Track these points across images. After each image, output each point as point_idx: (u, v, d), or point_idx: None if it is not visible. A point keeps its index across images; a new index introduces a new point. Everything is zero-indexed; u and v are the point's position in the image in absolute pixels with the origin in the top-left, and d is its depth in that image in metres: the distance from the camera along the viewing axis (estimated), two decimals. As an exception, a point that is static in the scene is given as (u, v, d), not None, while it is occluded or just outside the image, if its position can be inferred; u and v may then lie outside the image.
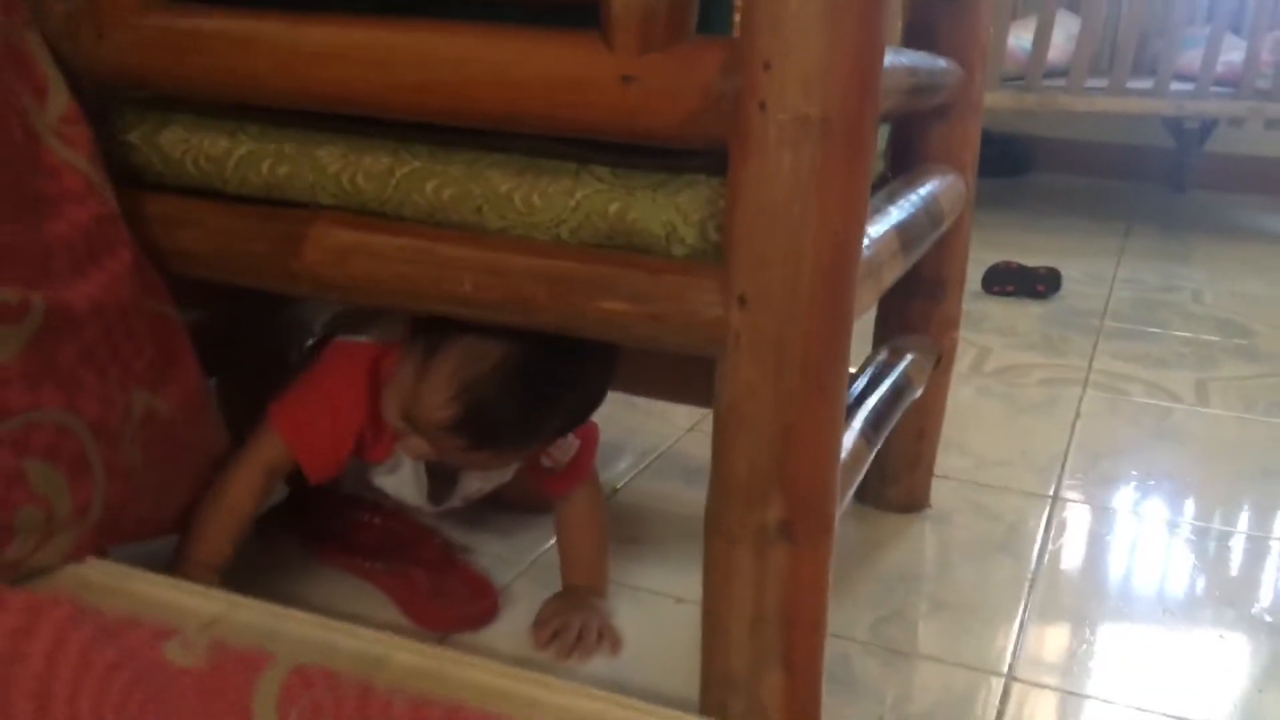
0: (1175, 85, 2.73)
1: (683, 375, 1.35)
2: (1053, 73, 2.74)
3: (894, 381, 1.09)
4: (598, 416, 1.07)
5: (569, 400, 0.97)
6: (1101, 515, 1.36)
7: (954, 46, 1.15)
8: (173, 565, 0.95)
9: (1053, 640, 1.08)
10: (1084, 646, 1.07)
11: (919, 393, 1.18)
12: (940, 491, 1.36)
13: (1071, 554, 1.26)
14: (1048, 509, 1.35)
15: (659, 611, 1.09)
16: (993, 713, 0.96)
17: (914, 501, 1.33)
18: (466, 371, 0.91)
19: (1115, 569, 1.25)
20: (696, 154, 0.79)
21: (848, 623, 1.08)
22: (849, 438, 0.91)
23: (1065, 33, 2.75)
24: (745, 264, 0.73)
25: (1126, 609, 1.15)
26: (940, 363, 1.26)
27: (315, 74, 0.82)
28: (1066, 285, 2.31)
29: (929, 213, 1.03)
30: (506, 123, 0.79)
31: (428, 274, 0.82)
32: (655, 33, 0.72)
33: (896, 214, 0.93)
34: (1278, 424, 1.68)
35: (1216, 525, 1.35)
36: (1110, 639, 1.09)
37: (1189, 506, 1.40)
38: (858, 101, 0.70)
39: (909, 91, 0.96)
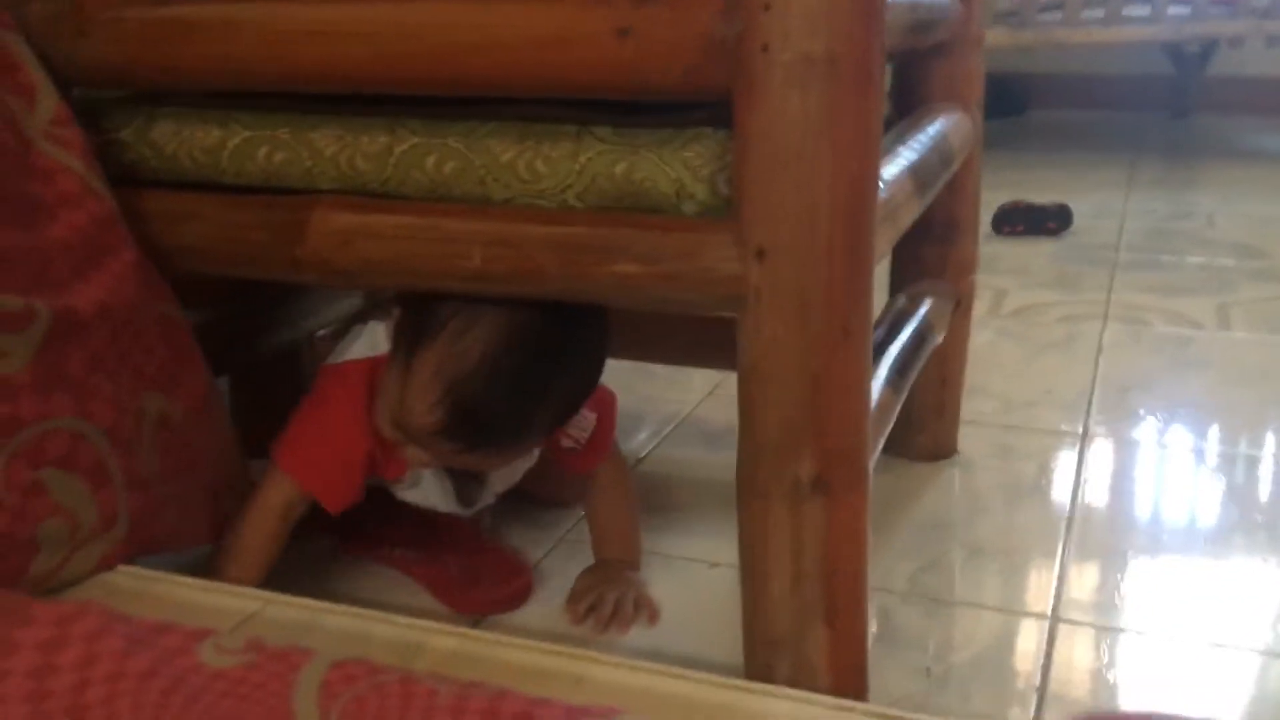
0: (1172, 9, 2.69)
1: (697, 339, 1.33)
2: (1047, 6, 2.70)
3: (915, 328, 1.07)
4: (614, 386, 1.05)
5: (560, 386, 0.92)
6: (1132, 448, 1.34)
7: (950, -19, 1.12)
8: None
9: (1094, 578, 1.07)
10: (1126, 582, 1.06)
11: (940, 339, 1.16)
12: (967, 437, 1.34)
13: (1105, 490, 1.24)
14: (1078, 446, 1.33)
15: (694, 578, 1.08)
16: (1040, 655, 0.95)
17: (942, 449, 1.31)
18: (448, 372, 0.87)
19: (1149, 501, 1.23)
20: (700, 106, 0.77)
21: (885, 575, 1.06)
22: (876, 387, 0.89)
23: (1057, -35, 2.71)
24: (760, 215, 0.71)
25: (1164, 541, 1.14)
26: (959, 307, 1.24)
27: (302, 53, 0.80)
28: (1077, 221, 2.29)
29: (940, 152, 1.00)
30: (500, 88, 0.77)
31: (434, 251, 0.80)
32: (649, -18, 0.70)
33: (908, 155, 0.91)
34: (1303, 344, 1.66)
35: (1244, 450, 1.33)
36: (1151, 572, 1.08)
37: (1217, 433, 1.38)
38: (863, 36, 0.68)
39: (911, 28, 0.94)
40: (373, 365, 0.96)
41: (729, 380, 1.49)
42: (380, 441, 0.95)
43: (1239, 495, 1.22)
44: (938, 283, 1.20)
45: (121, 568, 0.82)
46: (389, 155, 0.83)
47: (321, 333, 1.40)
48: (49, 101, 0.83)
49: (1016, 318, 1.80)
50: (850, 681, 0.80)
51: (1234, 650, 0.95)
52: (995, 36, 2.62)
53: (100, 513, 0.79)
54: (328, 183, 0.85)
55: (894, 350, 0.99)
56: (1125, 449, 1.34)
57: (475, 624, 1.01)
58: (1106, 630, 0.98)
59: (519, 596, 1.04)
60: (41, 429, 0.74)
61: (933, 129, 1.03)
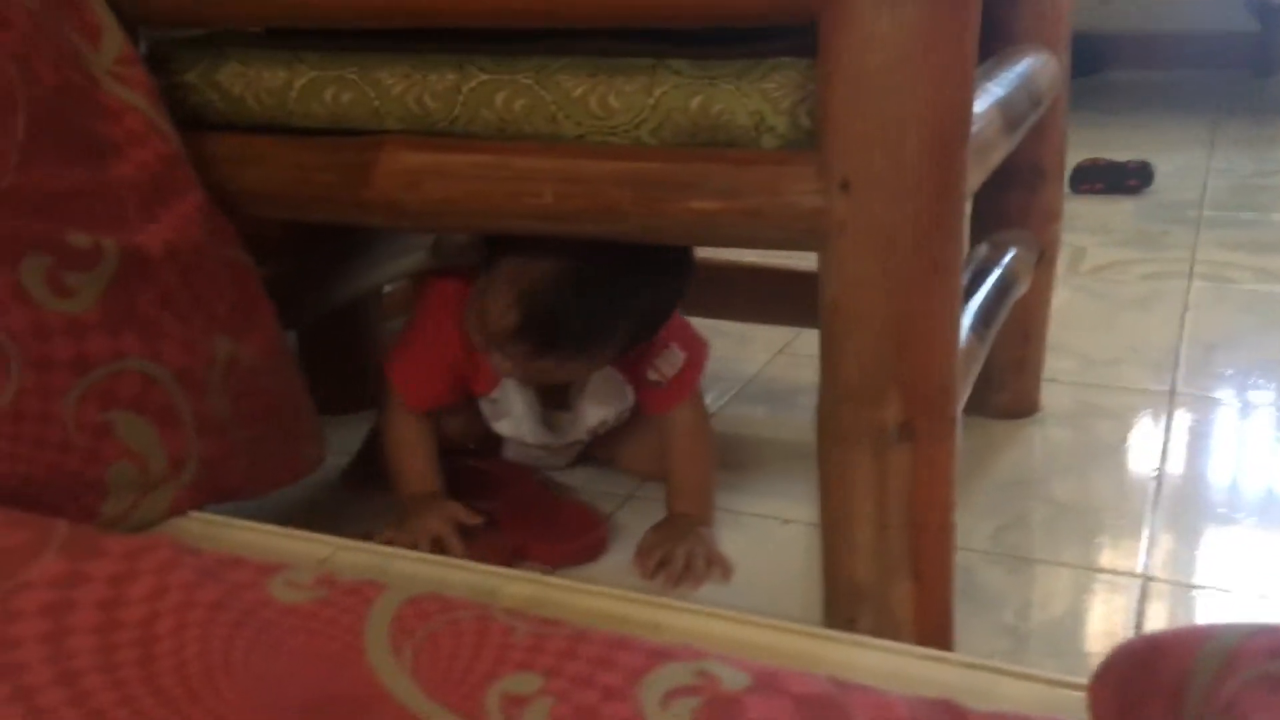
0: (1260, -39, 2.58)
1: (768, 296, 1.30)
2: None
3: (999, 277, 1.03)
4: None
5: (634, 296, 0.94)
6: (1221, 407, 1.29)
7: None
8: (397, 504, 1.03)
9: (1184, 537, 1.02)
10: (1216, 541, 1.01)
11: (1024, 290, 1.12)
12: (1050, 395, 1.30)
13: (1193, 448, 1.19)
14: (1165, 405, 1.28)
15: (767, 534, 1.05)
16: (1132, 615, 0.91)
17: (1023, 407, 1.27)
18: (523, 277, 0.91)
19: (1237, 460, 1.18)
20: (781, 34, 0.74)
21: (966, 533, 1.03)
22: (961, 335, 0.85)
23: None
24: (845, 145, 0.67)
25: (1253, 500, 1.09)
26: (1043, 258, 1.19)
27: (371, -14, 0.78)
28: (1158, 179, 2.21)
29: (1029, 91, 0.96)
30: (574, 17, 0.74)
31: (505, 189, 0.78)
32: (730, -98, 0.67)
33: (997, 90, 0.87)
34: (1401, 301, 1.59)
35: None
36: (1241, 532, 1.03)
37: (1312, 391, 1.32)
38: (959, -47, 0.64)
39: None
40: (463, 274, 1.00)
41: (799, 339, 1.47)
42: (468, 355, 1.00)
43: (1337, 454, 1.17)
44: (1021, 232, 1.15)
45: (193, 513, 0.81)
46: (458, 93, 0.81)
47: (388, 287, 1.40)
48: (114, 41, 0.82)
49: (1096, 276, 1.74)
50: (936, 637, 0.77)
51: (1337, 611, 0.91)
52: (1073, -10, 2.54)
53: (169, 456, 0.78)
54: (395, 123, 0.83)
55: (978, 298, 0.96)
56: (1212, 408, 1.29)
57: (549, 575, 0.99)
58: (1198, 589, 0.94)
59: (595, 548, 1.03)
60: (111, 369, 0.73)
61: (1021, 67, 0.98)
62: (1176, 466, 1.15)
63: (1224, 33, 3.40)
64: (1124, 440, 1.21)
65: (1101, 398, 1.31)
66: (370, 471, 1.13)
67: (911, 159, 0.67)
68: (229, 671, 0.43)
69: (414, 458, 1.04)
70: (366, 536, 0.92)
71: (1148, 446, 1.19)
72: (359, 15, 0.81)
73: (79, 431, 0.72)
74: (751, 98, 0.73)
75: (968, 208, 1.18)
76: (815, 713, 0.41)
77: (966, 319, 0.90)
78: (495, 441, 1.12)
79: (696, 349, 1.05)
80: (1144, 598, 0.93)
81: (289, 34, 0.89)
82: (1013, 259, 1.09)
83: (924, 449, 0.72)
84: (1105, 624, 0.91)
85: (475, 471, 1.12)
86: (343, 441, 1.17)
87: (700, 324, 1.14)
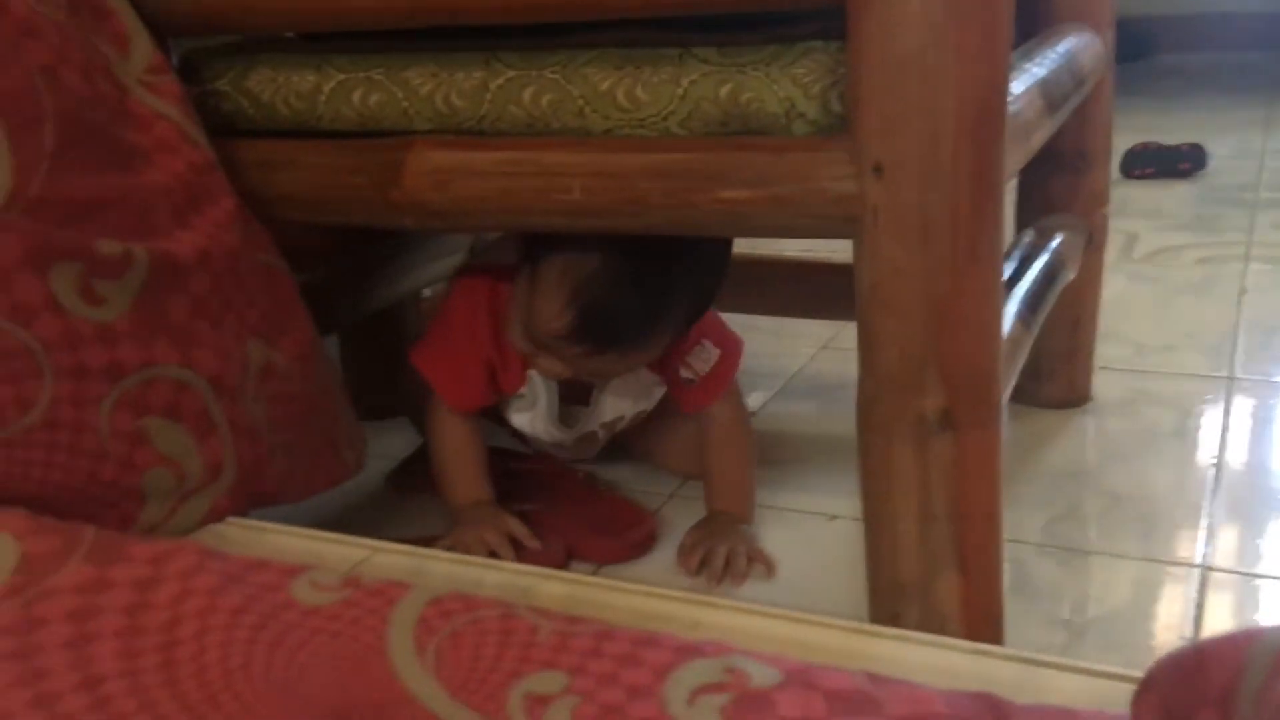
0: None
1: (809, 291, 1.28)
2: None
3: (1046, 262, 1.00)
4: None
5: (684, 285, 0.93)
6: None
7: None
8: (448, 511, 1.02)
9: (1244, 526, 0.99)
10: (1278, 531, 0.98)
11: (1072, 276, 1.09)
12: (1101, 383, 1.27)
13: (1255, 434, 1.16)
14: (1223, 391, 1.25)
15: (812, 531, 1.03)
16: (1191, 606, 0.88)
17: (1075, 395, 1.24)
18: (574, 275, 0.88)
19: (1306, 446, 1.14)
20: (810, 17, 0.72)
21: (1017, 525, 1.00)
22: (1005, 322, 0.83)
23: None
24: (877, 128, 0.66)
25: (1324, 487, 1.05)
26: (1091, 243, 1.16)
27: (394, -16, 0.77)
28: (1212, 162, 2.16)
29: (1071, 72, 0.94)
30: (597, 8, 0.73)
31: (533, 186, 0.77)
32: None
33: (1037, 71, 0.85)
34: None
35: None
36: (1312, 519, 1.00)
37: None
38: (989, -74, 0.62)
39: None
40: (497, 274, 0.99)
41: (843, 333, 1.45)
42: (499, 352, 0.99)
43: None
44: (1068, 217, 1.13)
45: (232, 519, 0.81)
46: (485, 90, 0.80)
47: (427, 291, 1.40)
48: (143, 50, 0.82)
49: (1150, 261, 1.70)
50: (985, 632, 0.75)
51: None
52: (1119, -28, 2.49)
53: (205, 462, 0.78)
54: (424, 123, 0.83)
55: (1024, 284, 0.93)
56: (1273, 392, 1.25)
57: (593, 573, 0.99)
58: (1260, 578, 0.91)
59: (644, 544, 1.01)
60: (144, 376, 0.73)
61: (1062, 47, 0.96)
62: (1236, 453, 1.11)
63: (1276, 13, 3.32)
64: (1180, 428, 1.18)
65: (1157, 385, 1.28)
66: (416, 475, 1.13)
67: (946, 141, 0.65)
68: (249, 674, 0.42)
69: (465, 465, 1.02)
70: (425, 543, 0.92)
71: (1205, 434, 1.16)
72: (385, 16, 0.80)
73: (114, 439, 0.72)
74: (781, 84, 0.72)
75: (1011, 192, 1.17)
76: (847, 708, 0.39)
77: (1012, 305, 0.88)
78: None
79: (730, 345, 1.04)
80: (1203, 588, 0.90)
81: (318, 38, 0.88)
82: (1060, 244, 1.06)
83: (967, 438, 0.70)
84: (1164, 616, 0.88)
85: (521, 473, 1.12)
86: (385, 446, 1.17)
87: (743, 320, 1.12)
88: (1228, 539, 0.97)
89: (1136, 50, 3.26)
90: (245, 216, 0.85)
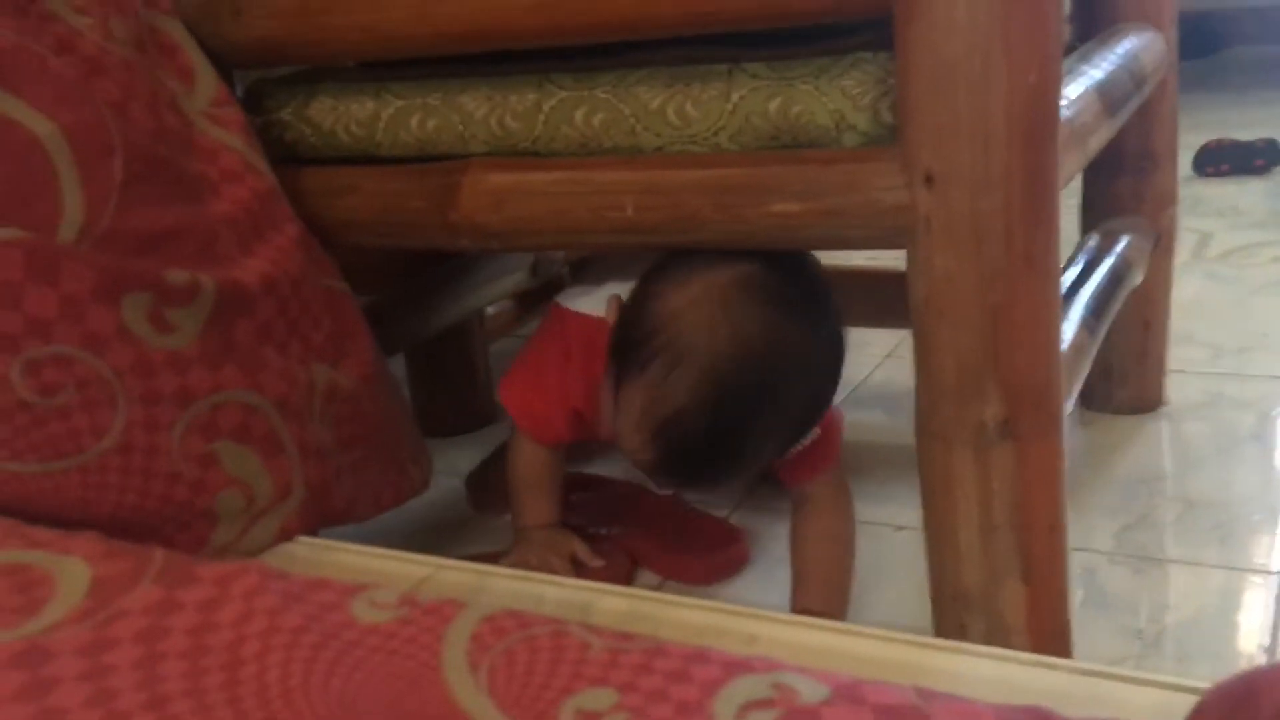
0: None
1: (874, 299, 1.27)
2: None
3: (1111, 266, 0.99)
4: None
5: (783, 413, 0.82)
6: (1366, 392, 1.22)
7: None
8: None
9: (1328, 531, 0.97)
10: (1367, 534, 0.95)
11: (1140, 278, 1.07)
12: (1175, 387, 1.24)
13: (1337, 436, 1.13)
14: (1302, 392, 1.22)
15: (879, 542, 1.03)
16: (1270, 615, 0.86)
17: (1147, 400, 1.22)
18: (656, 411, 0.80)
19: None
20: (858, 30, 0.72)
21: (1087, 533, 0.99)
22: (1068, 328, 0.82)
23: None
24: (926, 137, 0.65)
25: None
26: (1160, 244, 1.14)
27: (450, 11, 0.78)
28: (1289, 157, 2.11)
29: (1131, 72, 0.92)
30: (648, 28, 0.74)
31: (586, 204, 0.78)
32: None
33: (1094, 73, 0.84)
34: None
35: None
36: (1397, 523, 0.97)
37: None
38: (1035, -69, 0.62)
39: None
40: (595, 327, 0.90)
41: (906, 342, 1.43)
42: (589, 405, 0.92)
43: None
44: (1134, 219, 1.11)
45: (301, 538, 0.82)
46: (538, 112, 0.81)
47: (491, 309, 1.41)
48: (208, 83, 0.84)
49: (1224, 261, 1.66)
50: (1052, 644, 0.74)
51: None
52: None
53: (275, 483, 0.79)
54: (480, 146, 0.84)
55: (1088, 289, 0.92)
56: (1357, 394, 1.22)
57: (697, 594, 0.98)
58: (1345, 587, 0.89)
59: (735, 562, 1.01)
60: (213, 401, 0.75)
61: (1121, 48, 0.94)
62: (1316, 457, 1.09)
63: (1359, -1, 3.23)
64: (1258, 431, 1.15)
65: (1232, 387, 1.25)
66: (491, 477, 1.13)
67: (997, 148, 0.64)
68: (308, 693, 0.43)
69: (538, 490, 0.99)
70: (489, 559, 0.91)
71: (1283, 437, 1.13)
72: (440, 43, 0.82)
73: (186, 462, 0.74)
74: (831, 96, 0.72)
75: (1073, 196, 1.15)
76: (897, 724, 0.39)
77: (1075, 311, 0.87)
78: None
79: (829, 421, 0.91)
80: (1282, 596, 0.88)
81: (376, 66, 0.90)
82: (1126, 247, 1.05)
83: (1027, 446, 0.70)
84: (1242, 625, 0.86)
85: (605, 497, 1.11)
86: (450, 462, 1.19)
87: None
88: (1308, 545, 0.94)
89: (1207, 45, 3.19)
90: (308, 242, 0.87)
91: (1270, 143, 2.08)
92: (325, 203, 0.89)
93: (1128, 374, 1.21)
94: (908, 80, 0.65)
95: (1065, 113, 0.72)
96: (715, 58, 0.76)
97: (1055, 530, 0.72)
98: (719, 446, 0.80)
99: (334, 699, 0.43)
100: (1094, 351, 0.87)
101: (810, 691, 0.41)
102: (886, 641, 0.60)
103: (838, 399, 1.34)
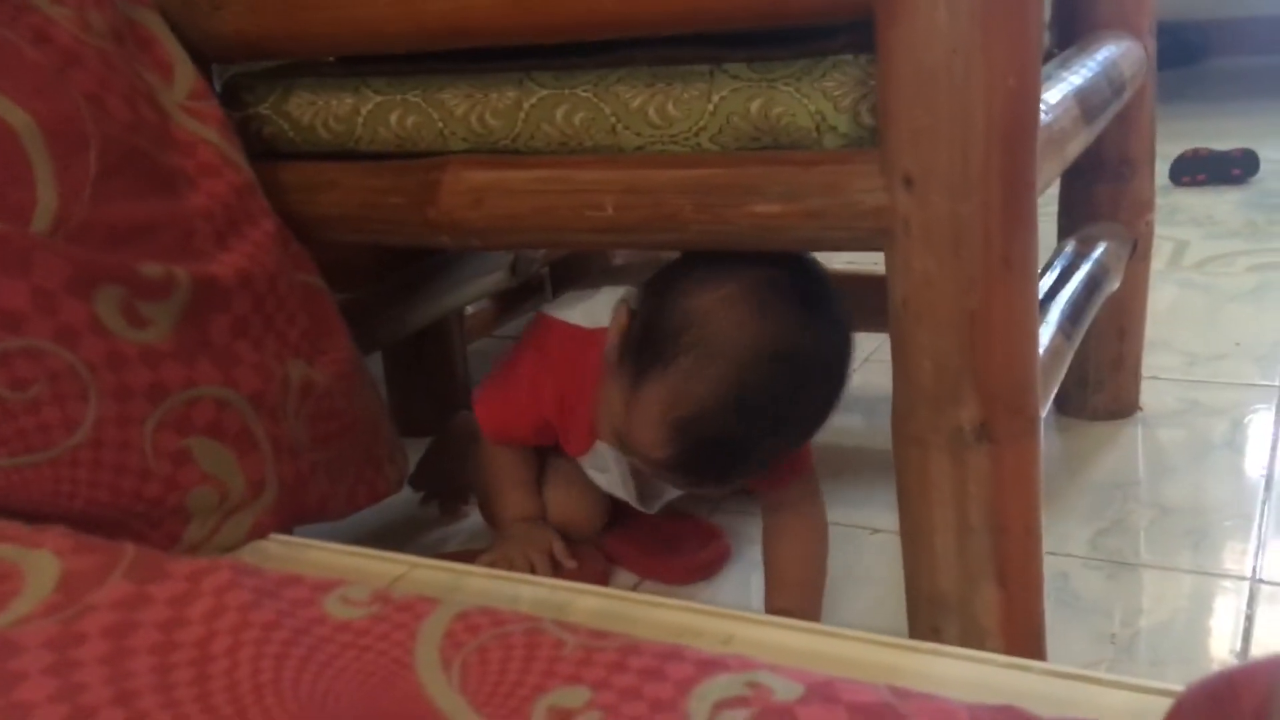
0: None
1: (854, 302, 1.27)
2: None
3: (1088, 272, 0.99)
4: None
5: (801, 414, 0.83)
6: (1339, 400, 1.23)
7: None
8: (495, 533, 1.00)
9: (1300, 537, 0.97)
10: (1338, 541, 0.96)
11: (1116, 285, 1.08)
12: (1150, 393, 1.25)
13: (1309, 444, 1.14)
14: (1276, 399, 1.23)
15: (856, 545, 1.03)
16: (1241, 619, 0.87)
17: (1122, 406, 1.22)
18: (679, 410, 0.79)
19: (1362, 456, 1.12)
20: (840, 32, 0.72)
21: (1062, 538, 0.99)
22: (1045, 333, 0.83)
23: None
24: (906, 139, 0.65)
25: (1382, 497, 1.03)
26: (1136, 250, 1.15)
27: (431, 7, 0.78)
28: (1265, 167, 2.12)
29: (1110, 79, 0.93)
30: (629, 25, 0.74)
31: (566, 203, 0.78)
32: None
33: (1073, 79, 0.84)
34: None
35: None
36: (1368, 530, 0.98)
37: None
38: (1016, -65, 0.62)
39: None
40: (581, 337, 0.90)
41: (884, 346, 1.44)
42: (563, 416, 0.93)
43: None
44: (1111, 225, 1.12)
45: (275, 536, 0.82)
46: (519, 110, 0.81)
47: (471, 308, 1.41)
48: (186, 76, 0.84)
49: (1200, 269, 1.67)
50: (1026, 646, 0.74)
51: None
52: (1167, -23, 2.46)
53: (248, 480, 0.79)
54: (460, 143, 0.84)
55: (1065, 294, 0.92)
56: (1329, 402, 1.23)
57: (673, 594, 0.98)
58: (1316, 594, 0.89)
59: (718, 561, 1.01)
60: (186, 396, 0.74)
61: (1100, 55, 0.95)
62: (1288, 464, 1.09)
63: (1335, 13, 3.26)
64: (1231, 438, 1.16)
65: (1207, 395, 1.26)
66: (435, 475, 1.13)
67: (976, 151, 0.64)
68: (279, 689, 0.43)
69: (513, 482, 1.00)
70: (466, 558, 0.91)
71: (1256, 444, 1.14)
72: (421, 39, 0.81)
73: (158, 458, 0.73)
74: (812, 98, 0.72)
75: (1051, 202, 1.16)
76: (871, 723, 0.39)
77: (1052, 316, 0.87)
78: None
79: None
80: (1253, 602, 0.89)
81: (356, 61, 0.90)
82: (1103, 253, 1.05)
83: (1004, 450, 0.70)
84: (1214, 630, 0.87)
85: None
86: (427, 463, 1.18)
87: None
88: (1278, 552, 0.95)
89: (1187, 55, 3.22)
90: (285, 237, 0.86)
91: (1247, 153, 2.10)
92: (303, 198, 0.88)
93: (1103, 380, 1.21)
94: (888, 83, 0.65)
95: (1044, 118, 0.72)
96: (697, 58, 0.76)
97: (1030, 534, 0.72)
98: (740, 444, 0.80)
99: (305, 695, 0.43)
100: (1070, 356, 0.88)
101: (784, 690, 0.41)
102: (862, 643, 0.60)
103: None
